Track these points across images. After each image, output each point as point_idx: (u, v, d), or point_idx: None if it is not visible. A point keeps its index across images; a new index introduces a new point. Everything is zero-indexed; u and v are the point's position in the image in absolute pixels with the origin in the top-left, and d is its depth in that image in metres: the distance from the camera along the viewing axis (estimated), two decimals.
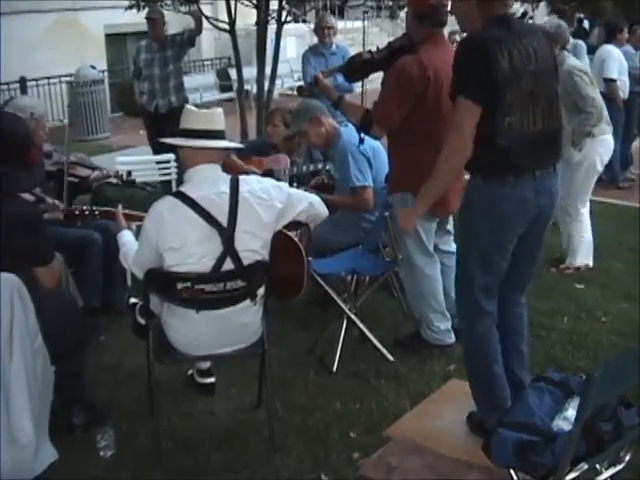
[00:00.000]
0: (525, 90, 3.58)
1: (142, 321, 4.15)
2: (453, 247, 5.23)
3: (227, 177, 3.84)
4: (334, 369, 4.84)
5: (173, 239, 3.66)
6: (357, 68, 4.93)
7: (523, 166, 3.62)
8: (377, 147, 5.43)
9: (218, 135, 3.85)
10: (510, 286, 3.97)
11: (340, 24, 9.97)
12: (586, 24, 23.09)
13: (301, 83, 9.03)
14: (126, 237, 4.12)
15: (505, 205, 3.64)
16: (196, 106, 4.04)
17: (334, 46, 8.60)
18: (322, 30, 8.58)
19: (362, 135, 4.95)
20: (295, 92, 15.77)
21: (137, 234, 4.07)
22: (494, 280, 3.89)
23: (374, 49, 4.91)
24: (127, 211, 4.46)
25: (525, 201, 3.65)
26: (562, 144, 3.86)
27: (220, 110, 3.95)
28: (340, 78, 6.23)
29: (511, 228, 3.72)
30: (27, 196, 4.74)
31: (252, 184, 3.85)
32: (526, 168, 3.63)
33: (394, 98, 4.62)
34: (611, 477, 3.04)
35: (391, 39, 5.02)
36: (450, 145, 3.67)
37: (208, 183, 3.77)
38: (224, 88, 16.90)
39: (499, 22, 3.64)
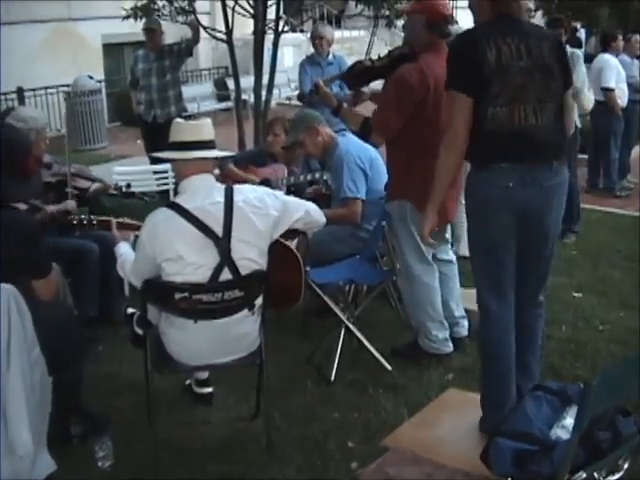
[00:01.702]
0: (514, 84, 3.65)
1: (140, 331, 4.14)
2: (451, 255, 5.24)
3: (221, 187, 3.85)
4: (332, 379, 4.83)
5: (169, 250, 3.67)
6: (358, 75, 4.96)
7: (509, 156, 3.68)
8: (375, 158, 5.42)
9: (207, 145, 3.87)
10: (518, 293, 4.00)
11: (337, 33, 9.97)
12: (582, 33, 23.16)
13: (298, 92, 9.06)
14: (123, 249, 4.13)
15: (486, 191, 3.73)
16: (191, 117, 4.06)
17: (331, 56, 8.60)
18: (315, 40, 8.61)
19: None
20: (291, 101, 15.91)
21: (135, 243, 4.08)
22: (497, 273, 3.91)
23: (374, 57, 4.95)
24: (122, 220, 4.46)
25: (508, 190, 3.69)
26: (564, 144, 3.90)
27: (208, 120, 3.98)
28: (335, 88, 6.25)
29: (494, 216, 3.76)
30: (21, 205, 4.73)
31: (247, 193, 3.85)
32: (513, 158, 3.69)
33: (393, 105, 4.63)
34: None
35: (389, 48, 5.04)
36: (444, 140, 3.79)
37: (202, 193, 3.77)
38: (221, 98, 16.92)
39: (498, 19, 3.74)
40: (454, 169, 3.85)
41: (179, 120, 3.99)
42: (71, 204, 5.18)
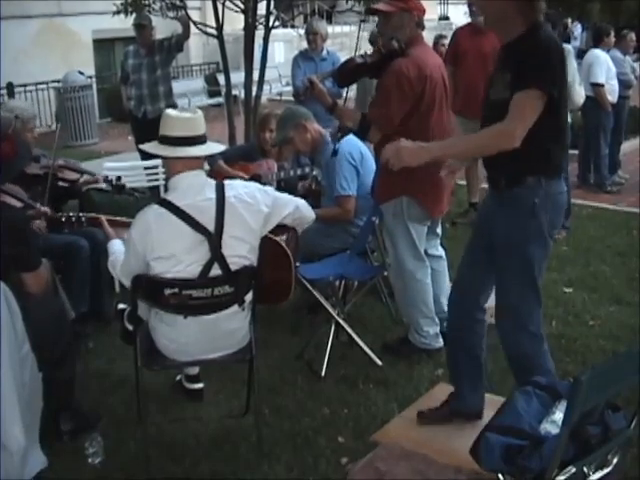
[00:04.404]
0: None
1: (130, 327, 4.14)
2: (440, 251, 5.24)
3: (212, 183, 3.82)
4: (322, 374, 4.84)
5: (161, 249, 3.65)
6: (349, 73, 4.93)
7: (562, 166, 3.84)
8: (365, 153, 5.43)
9: (199, 140, 3.79)
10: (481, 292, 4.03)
11: (328, 29, 9.94)
12: (579, 28, 23.22)
13: (289, 88, 9.02)
14: (116, 246, 4.07)
15: (562, 199, 3.80)
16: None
17: (324, 52, 8.58)
18: (309, 36, 8.61)
19: (336, 147, 4.97)
20: (282, 97, 15.89)
21: None
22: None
23: (361, 53, 4.94)
24: (112, 217, 4.44)
25: (563, 195, 3.80)
26: None
27: (200, 113, 3.87)
28: (327, 83, 6.23)
29: (558, 225, 3.95)
30: (14, 202, 4.73)
31: (238, 189, 3.84)
32: (563, 168, 3.85)
33: (394, 100, 4.63)
34: None
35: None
36: (509, 129, 3.49)
37: (193, 190, 3.75)
38: (212, 93, 16.89)
39: (540, 27, 3.64)
40: (493, 153, 3.58)
41: (170, 113, 3.85)
42: (44, 209, 5.10)
